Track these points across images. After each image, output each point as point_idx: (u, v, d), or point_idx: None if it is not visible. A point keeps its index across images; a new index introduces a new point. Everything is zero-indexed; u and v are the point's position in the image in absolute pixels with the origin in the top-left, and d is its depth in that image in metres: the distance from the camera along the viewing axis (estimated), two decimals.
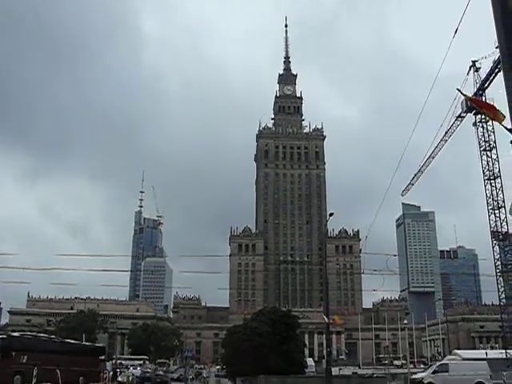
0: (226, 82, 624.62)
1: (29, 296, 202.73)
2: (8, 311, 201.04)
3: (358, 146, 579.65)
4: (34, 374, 38.77)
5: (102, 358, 54.84)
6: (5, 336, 41.83)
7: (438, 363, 48.61)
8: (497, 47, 8.52)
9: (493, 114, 11.01)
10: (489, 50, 78.92)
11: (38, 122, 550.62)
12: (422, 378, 44.03)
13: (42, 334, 58.25)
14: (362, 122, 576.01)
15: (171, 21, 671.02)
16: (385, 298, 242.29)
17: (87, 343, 66.62)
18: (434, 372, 45.16)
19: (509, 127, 8.05)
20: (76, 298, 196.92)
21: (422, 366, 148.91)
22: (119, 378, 67.39)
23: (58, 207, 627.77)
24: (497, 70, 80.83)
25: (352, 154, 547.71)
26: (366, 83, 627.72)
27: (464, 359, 66.12)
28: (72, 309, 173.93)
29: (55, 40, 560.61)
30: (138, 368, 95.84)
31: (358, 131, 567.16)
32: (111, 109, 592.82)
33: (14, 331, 54.91)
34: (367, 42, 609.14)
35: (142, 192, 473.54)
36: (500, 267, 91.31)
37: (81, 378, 48.18)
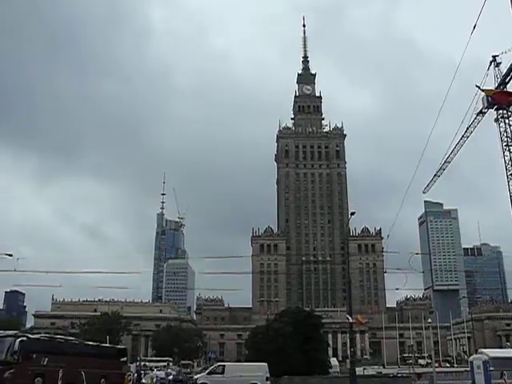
0: (238, 80, 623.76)
1: (53, 299, 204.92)
2: (33, 314, 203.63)
3: (377, 142, 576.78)
4: (60, 376, 39.03)
5: (124, 359, 54.98)
6: (25, 338, 42.04)
7: (215, 364, 47.94)
8: None
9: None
10: (508, 44, 77.96)
11: (42, 122, 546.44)
12: (197, 379, 43.30)
13: (61, 336, 58.57)
14: (381, 116, 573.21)
15: (179, 15, 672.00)
16: (408, 296, 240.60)
17: (108, 345, 66.87)
18: (209, 373, 44.42)
19: None
20: (99, 300, 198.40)
21: (447, 364, 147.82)
22: (143, 380, 67.65)
23: (74, 210, 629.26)
24: None
25: (372, 149, 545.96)
26: (381, 76, 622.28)
27: (490, 358, 65.22)
28: (96, 311, 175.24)
29: (57, 35, 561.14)
30: (162, 369, 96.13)
31: (377, 126, 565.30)
32: (117, 105, 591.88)
33: (39, 334, 55.23)
34: (379, 34, 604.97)
35: (163, 194, 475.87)
36: None
37: (102, 379, 48.39)
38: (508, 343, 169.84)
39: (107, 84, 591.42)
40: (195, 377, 44.00)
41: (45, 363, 41.53)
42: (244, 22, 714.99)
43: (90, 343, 59.06)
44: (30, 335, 44.55)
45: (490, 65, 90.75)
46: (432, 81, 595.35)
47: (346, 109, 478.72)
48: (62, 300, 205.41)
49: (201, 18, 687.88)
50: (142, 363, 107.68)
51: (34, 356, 40.71)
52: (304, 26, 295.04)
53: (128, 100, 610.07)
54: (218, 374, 44.46)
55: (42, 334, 51.76)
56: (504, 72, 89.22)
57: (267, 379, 44.67)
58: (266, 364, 52.60)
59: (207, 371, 45.57)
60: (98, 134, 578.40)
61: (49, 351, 43.00)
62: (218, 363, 49.79)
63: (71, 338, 62.96)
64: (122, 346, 73.38)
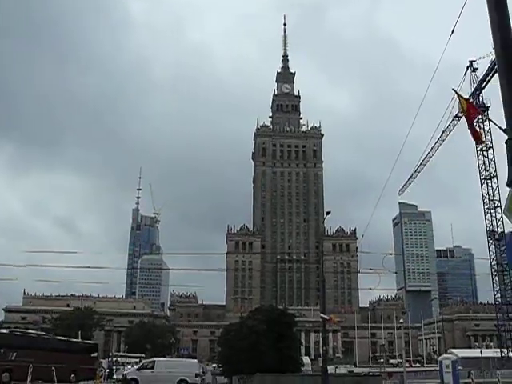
0: (218, 76, 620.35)
1: (25, 293, 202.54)
2: (3, 309, 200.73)
3: (355, 141, 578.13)
4: (29, 371, 38.65)
5: (95, 355, 54.67)
6: None
7: (145, 360, 48.31)
8: (493, 48, 8.48)
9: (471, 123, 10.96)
10: (486, 49, 79.10)
11: (20, 114, 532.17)
12: (127, 374, 43.65)
13: (31, 331, 57.99)
14: (360, 116, 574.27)
15: (159, 7, 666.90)
16: (381, 296, 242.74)
17: (79, 340, 66.34)
18: (139, 369, 44.76)
19: (503, 127, 8.08)
20: (72, 295, 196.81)
21: (417, 364, 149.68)
22: (115, 376, 67.35)
23: (48, 203, 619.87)
24: (494, 70, 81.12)
25: (350, 149, 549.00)
26: (361, 76, 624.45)
27: (459, 358, 66.32)
28: (68, 306, 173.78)
29: (35, 26, 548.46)
30: (135, 365, 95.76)
31: (356, 126, 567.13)
32: (96, 98, 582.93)
33: (9, 328, 54.58)
34: (360, 33, 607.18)
35: (139, 189, 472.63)
36: (496, 266, 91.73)
37: (72, 375, 48.02)
38: (477, 343, 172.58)
39: (85, 75, 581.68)
40: (125, 372, 43.71)
41: (13, 358, 41.09)
42: (224, 17, 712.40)
43: (61, 338, 58.56)
44: None
45: (467, 70, 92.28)
46: (412, 81, 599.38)
47: (325, 108, 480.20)
48: (33, 294, 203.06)
49: (180, 12, 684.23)
50: (114, 359, 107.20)
51: (2, 351, 40.27)
52: (285, 24, 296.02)
53: (106, 93, 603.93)
54: (147, 369, 44.25)
55: (10, 329, 51.22)
56: (480, 78, 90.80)
57: (197, 376, 44.65)
58: (196, 360, 52.73)
59: (137, 367, 45.26)
60: (75, 127, 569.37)
61: (17, 346, 42.56)
62: (149, 359, 49.48)
63: (41, 332, 62.43)
64: (93, 342, 72.96)
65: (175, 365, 46.60)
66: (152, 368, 44.35)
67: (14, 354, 41.45)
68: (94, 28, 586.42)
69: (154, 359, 51.17)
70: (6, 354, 40.90)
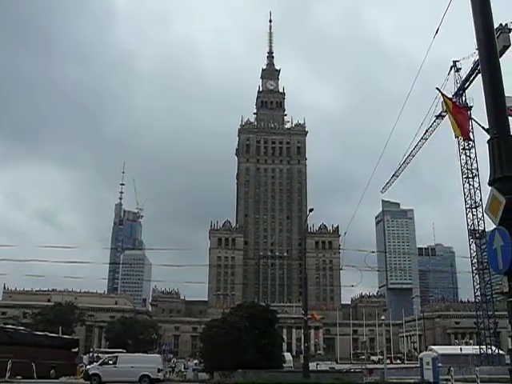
0: (202, 70, 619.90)
1: (4, 288, 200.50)
2: None
3: (339, 138, 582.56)
4: (8, 367, 38.33)
5: (76, 350, 54.37)
6: None
7: (108, 355, 48.27)
8: (477, 48, 8.63)
9: (459, 124, 11.02)
10: (470, 48, 79.77)
11: (3, 102, 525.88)
12: (89, 369, 43.73)
13: (10, 326, 57.48)
14: (344, 113, 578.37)
15: (144, 0, 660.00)
16: (363, 293, 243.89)
17: (59, 335, 65.90)
18: (101, 364, 44.85)
19: (486, 127, 8.16)
20: (53, 290, 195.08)
21: (398, 361, 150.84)
22: None
23: (29, 196, 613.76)
24: (477, 70, 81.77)
25: (334, 146, 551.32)
26: (346, 73, 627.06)
27: (439, 355, 66.97)
28: (49, 301, 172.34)
29: (17, 14, 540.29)
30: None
31: (340, 123, 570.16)
32: (80, 91, 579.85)
33: None
34: (346, 30, 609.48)
35: (122, 184, 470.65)
36: (476, 265, 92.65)
37: (52, 371, 47.69)
38: (457, 341, 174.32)
39: (67, 66, 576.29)
40: (87, 367, 43.45)
41: None
42: (210, 11, 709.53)
43: (41, 333, 58.12)
44: None
45: (451, 70, 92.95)
46: (395, 79, 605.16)
47: (310, 105, 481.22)
48: (13, 289, 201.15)
49: (166, 5, 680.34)
50: (96, 354, 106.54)
51: None
52: (270, 21, 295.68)
53: (89, 85, 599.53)
54: (110, 364, 44.10)
55: None
56: (463, 77, 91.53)
57: (159, 371, 44.62)
58: (159, 356, 52.64)
59: (99, 362, 44.98)
60: (56, 119, 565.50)
61: None
62: (111, 354, 49.13)
63: (19, 327, 61.92)
64: (74, 337, 72.62)
65: (138, 360, 46.33)
66: (114, 363, 44.09)
67: None
68: (77, 18, 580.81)
69: (117, 354, 50.80)
70: None
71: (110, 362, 44.50)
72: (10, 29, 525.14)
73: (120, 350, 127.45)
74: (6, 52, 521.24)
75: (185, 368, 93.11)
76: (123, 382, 42.05)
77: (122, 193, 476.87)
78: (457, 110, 11.93)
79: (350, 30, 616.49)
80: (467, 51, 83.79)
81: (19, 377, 42.88)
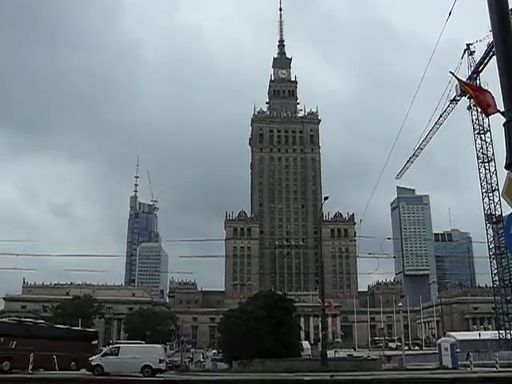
0: (212, 58, 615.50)
1: (24, 282, 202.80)
2: (3, 298, 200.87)
3: (352, 125, 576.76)
4: (31, 360, 38.80)
5: (95, 342, 54.92)
6: None
7: (111, 346, 48.08)
8: (491, 30, 8.49)
9: (480, 103, 10.84)
10: (483, 31, 78.73)
11: (9, 97, 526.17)
12: (92, 360, 43.72)
13: (30, 320, 58.15)
14: (356, 99, 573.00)
15: None
16: (380, 281, 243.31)
17: (79, 328, 66.60)
18: (103, 355, 44.72)
19: (502, 110, 8.05)
20: (72, 283, 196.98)
21: (416, 347, 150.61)
22: None
23: (43, 189, 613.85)
24: (491, 53, 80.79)
25: (346, 132, 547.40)
26: (357, 59, 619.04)
27: (457, 341, 66.75)
28: (68, 294, 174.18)
29: (23, 4, 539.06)
30: None
31: (352, 109, 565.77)
32: (89, 82, 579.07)
33: (9, 317, 54.82)
34: (353, 14, 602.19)
35: (136, 177, 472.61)
36: (493, 250, 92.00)
37: (73, 363, 48.25)
38: (475, 326, 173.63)
39: (74, 57, 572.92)
40: (90, 358, 43.75)
41: (13, 347, 41.21)
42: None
43: (60, 326, 58.82)
44: None
45: (464, 53, 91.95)
46: (407, 62, 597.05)
47: (320, 90, 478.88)
48: (33, 283, 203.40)
49: None
50: None
51: (2, 340, 40.35)
52: (280, 9, 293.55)
53: (97, 75, 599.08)
54: (112, 355, 44.41)
55: (10, 318, 51.40)
56: (477, 61, 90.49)
57: (161, 361, 44.85)
58: (161, 346, 52.81)
59: (102, 353, 45.26)
60: (65, 111, 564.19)
61: (17, 335, 42.69)
62: (113, 345, 49.33)
63: (40, 321, 62.67)
64: (93, 329, 73.31)
65: (140, 350, 46.58)
66: (116, 354, 44.44)
67: (14, 342, 41.61)
68: (84, 7, 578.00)
69: (119, 345, 51.16)
70: (6, 343, 41.05)
71: (113, 352, 44.87)
72: (16, 19, 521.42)
73: (139, 341, 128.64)
74: (12, 43, 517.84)
75: (203, 358, 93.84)
76: (125, 372, 42.43)
77: (136, 185, 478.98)
78: (474, 90, 11.81)
79: (358, 14, 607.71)
80: (481, 33, 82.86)
81: (41, 369, 43.47)
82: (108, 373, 41.80)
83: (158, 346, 52.23)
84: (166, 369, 47.44)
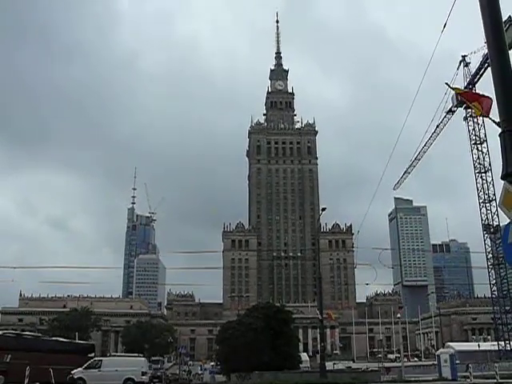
0: (208, 69, 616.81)
1: (21, 295, 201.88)
2: None
3: (348, 135, 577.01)
4: (27, 373, 38.52)
5: (92, 355, 54.56)
6: None
7: (93, 359, 47.86)
8: (485, 42, 8.57)
9: (482, 105, 10.81)
10: (480, 41, 79.16)
11: (4, 109, 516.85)
12: (74, 373, 43.45)
13: (26, 333, 57.83)
14: (352, 109, 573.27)
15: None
16: (378, 291, 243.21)
17: (75, 341, 66.27)
18: (86, 368, 44.52)
19: (497, 121, 8.09)
20: (69, 296, 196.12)
21: (415, 359, 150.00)
22: None
23: (39, 202, 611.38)
24: (486, 64, 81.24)
25: (344, 143, 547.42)
26: (352, 69, 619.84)
27: (456, 352, 66.58)
28: (65, 307, 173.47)
29: (18, 14, 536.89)
30: None
31: (348, 119, 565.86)
32: (85, 94, 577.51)
33: (5, 331, 54.44)
34: (349, 25, 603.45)
35: (134, 189, 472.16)
36: (492, 260, 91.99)
37: (69, 376, 47.94)
38: (474, 337, 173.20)
39: (69, 67, 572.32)
40: (72, 372, 43.48)
41: (7, 360, 40.85)
42: (212, 10, 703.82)
43: (57, 339, 58.41)
44: None
45: (460, 64, 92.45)
46: (404, 72, 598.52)
47: (316, 101, 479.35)
48: (29, 296, 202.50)
49: (168, 4, 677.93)
50: None
51: None
52: (277, 21, 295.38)
53: (92, 87, 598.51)
54: (94, 368, 44.15)
55: (5, 331, 51.07)
56: (473, 72, 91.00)
57: (143, 374, 44.58)
58: (143, 359, 52.60)
59: (84, 366, 45.09)
60: (61, 123, 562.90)
61: (12, 348, 42.32)
62: (96, 358, 49.12)
63: (36, 334, 62.29)
64: (89, 342, 72.95)
65: (122, 363, 46.36)
66: (99, 367, 44.17)
67: (9, 356, 41.28)
68: (80, 18, 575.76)
69: (101, 358, 50.93)
70: (1, 357, 40.73)
71: (95, 365, 44.60)
72: (10, 30, 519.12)
73: (136, 354, 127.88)
74: (7, 54, 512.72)
75: (201, 370, 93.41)
76: None
77: (134, 197, 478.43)
78: (471, 95, 11.88)
79: (355, 24, 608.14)
80: (476, 44, 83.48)
81: (37, 383, 43.14)
82: None
83: (141, 358, 52.04)
84: (148, 382, 47.29)
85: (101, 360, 46.88)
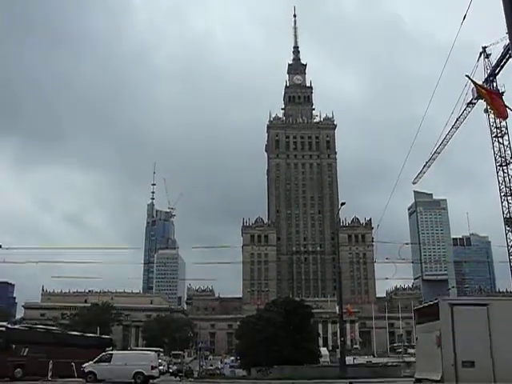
0: (223, 64, 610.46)
1: (43, 290, 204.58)
2: (23, 306, 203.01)
3: (368, 128, 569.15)
4: (50, 367, 38.93)
5: (109, 349, 54.83)
6: (4, 328, 41.61)
7: (104, 353, 47.80)
8: (507, 33, 8.42)
9: (496, 107, 10.73)
10: (499, 33, 78.04)
11: (19, 106, 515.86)
12: (85, 367, 43.38)
13: (40, 326, 58.22)
14: (370, 101, 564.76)
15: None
16: (398, 286, 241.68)
17: (93, 335, 66.71)
18: (96, 361, 44.41)
19: None
20: (90, 291, 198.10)
21: None
22: None
23: (58, 198, 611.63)
24: (508, 55, 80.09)
25: (363, 136, 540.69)
26: (369, 61, 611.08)
27: None
28: (86, 302, 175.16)
29: (28, 10, 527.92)
30: None
31: (367, 111, 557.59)
32: (98, 89, 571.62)
33: (22, 324, 54.94)
34: (365, 15, 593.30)
35: (153, 184, 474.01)
36: None
37: (80, 369, 48.33)
38: None
39: (82, 63, 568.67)
40: (83, 365, 43.87)
41: (24, 354, 41.21)
42: (226, 2, 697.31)
43: (73, 333, 58.87)
44: (8, 326, 44.18)
45: (480, 56, 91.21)
46: (422, 63, 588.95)
47: (336, 94, 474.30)
48: (52, 291, 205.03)
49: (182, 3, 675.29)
50: None
51: (13, 347, 40.34)
52: (295, 16, 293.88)
53: (106, 82, 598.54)
54: (104, 362, 44.49)
55: (22, 324, 51.54)
56: (494, 63, 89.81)
57: (152, 368, 44.83)
58: (153, 353, 52.78)
59: (95, 360, 45.45)
60: (80, 120, 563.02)
61: (29, 342, 42.67)
62: (106, 352, 49.51)
63: (52, 327, 62.75)
64: (107, 336, 73.43)
65: (131, 357, 46.72)
66: (109, 361, 44.58)
67: (26, 349, 41.65)
68: (93, 14, 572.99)
69: (112, 352, 51.29)
70: (18, 350, 41.07)
71: (106, 359, 45.02)
72: (20, 26, 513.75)
73: (157, 348, 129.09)
74: (17, 50, 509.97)
75: (221, 364, 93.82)
76: (118, 379, 42.55)
77: (153, 193, 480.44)
78: (489, 93, 11.76)
79: (370, 14, 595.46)
80: (496, 35, 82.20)
81: (57, 377, 43.63)
82: (101, 380, 42.00)
83: (151, 352, 52.40)
84: (158, 376, 47.69)
85: (111, 354, 47.29)
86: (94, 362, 44.19)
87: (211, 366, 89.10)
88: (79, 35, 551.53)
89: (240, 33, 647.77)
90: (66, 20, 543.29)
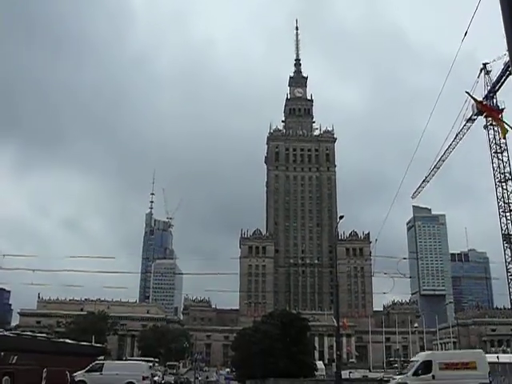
0: (223, 74, 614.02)
1: (39, 297, 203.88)
2: (18, 313, 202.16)
3: (368, 141, 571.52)
4: (44, 375, 38.59)
5: (101, 358, 54.43)
6: None
7: (95, 362, 47.68)
8: (507, 50, 8.43)
9: (497, 122, 10.76)
10: (501, 46, 78.46)
11: (19, 110, 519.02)
12: (76, 376, 43.14)
13: (29, 333, 57.69)
14: (370, 114, 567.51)
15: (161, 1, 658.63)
16: (395, 300, 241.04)
17: (84, 343, 66.22)
18: (88, 371, 44.28)
19: None
20: (86, 299, 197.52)
21: None
22: None
23: (56, 204, 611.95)
24: (507, 72, 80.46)
25: (363, 149, 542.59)
26: (372, 73, 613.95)
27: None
28: (82, 310, 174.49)
29: (30, 14, 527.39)
30: None
31: (367, 124, 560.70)
32: (95, 95, 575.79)
33: (13, 331, 54.64)
34: (366, 27, 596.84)
35: (152, 194, 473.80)
36: (511, 270, 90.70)
37: (71, 378, 47.90)
38: (493, 348, 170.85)
39: (82, 70, 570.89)
40: (74, 374, 43.65)
41: (13, 362, 40.76)
42: (227, 13, 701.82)
43: (65, 341, 58.32)
44: None
45: (481, 72, 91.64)
46: (423, 76, 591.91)
47: (336, 106, 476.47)
48: (48, 298, 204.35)
49: (183, 6, 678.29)
50: None
51: (2, 354, 39.92)
52: (297, 28, 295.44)
53: (108, 90, 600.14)
54: (96, 371, 44.30)
55: (12, 332, 51.06)
56: (494, 80, 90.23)
57: (144, 378, 44.62)
58: (145, 363, 52.58)
59: (86, 369, 45.24)
60: (80, 125, 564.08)
61: (18, 349, 42.20)
62: (97, 362, 49.38)
63: (43, 334, 62.23)
64: (100, 345, 72.96)
65: (123, 367, 46.57)
66: (100, 370, 44.35)
67: (15, 357, 41.24)
68: (92, 17, 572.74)
69: (103, 362, 51.11)
70: (6, 358, 40.65)
71: (97, 369, 44.78)
72: (22, 30, 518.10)
73: (152, 358, 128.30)
74: (18, 54, 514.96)
75: (216, 376, 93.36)
76: None
77: (152, 202, 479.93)
78: (490, 110, 11.79)
79: (372, 27, 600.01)
80: (499, 47, 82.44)
81: None
82: None
83: (142, 363, 52.20)
84: None
85: (102, 363, 47.05)
86: (85, 372, 43.89)
87: (207, 377, 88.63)
88: (81, 43, 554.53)
89: (241, 43, 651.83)
90: (68, 27, 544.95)
